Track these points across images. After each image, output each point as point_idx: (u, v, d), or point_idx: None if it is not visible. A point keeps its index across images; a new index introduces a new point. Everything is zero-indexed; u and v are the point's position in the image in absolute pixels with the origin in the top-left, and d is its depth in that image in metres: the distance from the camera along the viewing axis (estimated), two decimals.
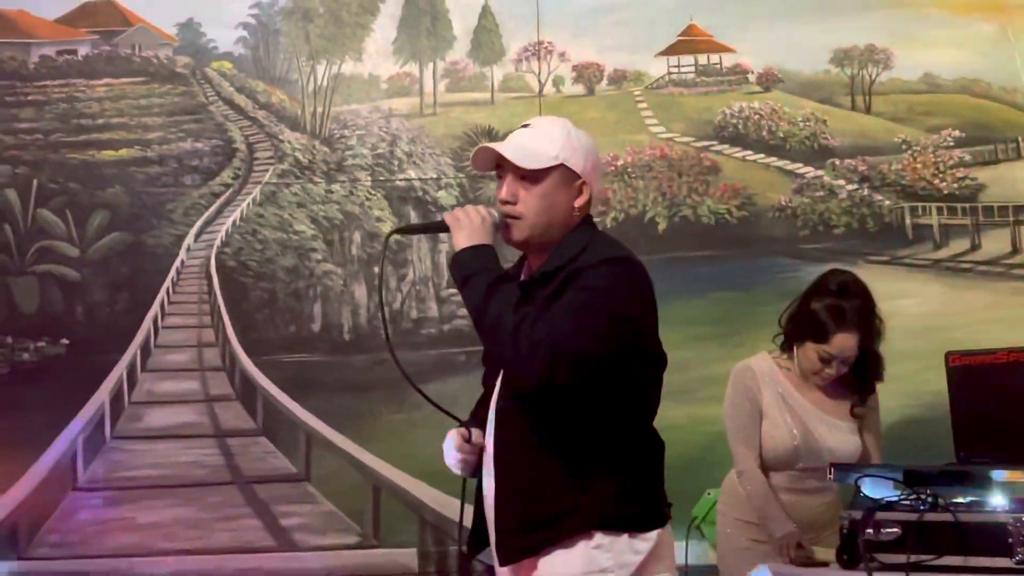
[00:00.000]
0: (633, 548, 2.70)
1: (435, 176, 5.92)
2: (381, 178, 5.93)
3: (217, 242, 5.91)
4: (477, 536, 2.91)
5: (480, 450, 2.87)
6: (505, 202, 2.77)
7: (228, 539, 5.59)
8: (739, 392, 4.09)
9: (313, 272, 5.88)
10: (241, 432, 5.80)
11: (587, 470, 2.68)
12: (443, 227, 2.79)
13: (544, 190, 2.74)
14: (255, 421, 5.81)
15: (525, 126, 2.86)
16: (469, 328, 5.82)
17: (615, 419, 2.71)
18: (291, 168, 5.97)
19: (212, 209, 5.95)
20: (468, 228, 2.72)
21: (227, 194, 5.96)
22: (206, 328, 5.90)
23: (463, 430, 2.90)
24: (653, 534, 2.75)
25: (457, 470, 2.92)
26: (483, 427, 2.88)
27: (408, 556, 5.56)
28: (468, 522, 2.94)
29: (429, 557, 5.56)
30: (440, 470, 5.50)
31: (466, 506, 2.94)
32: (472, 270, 2.68)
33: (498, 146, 2.78)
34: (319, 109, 6.00)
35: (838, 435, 4.09)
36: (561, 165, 2.76)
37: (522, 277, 2.85)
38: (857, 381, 4.14)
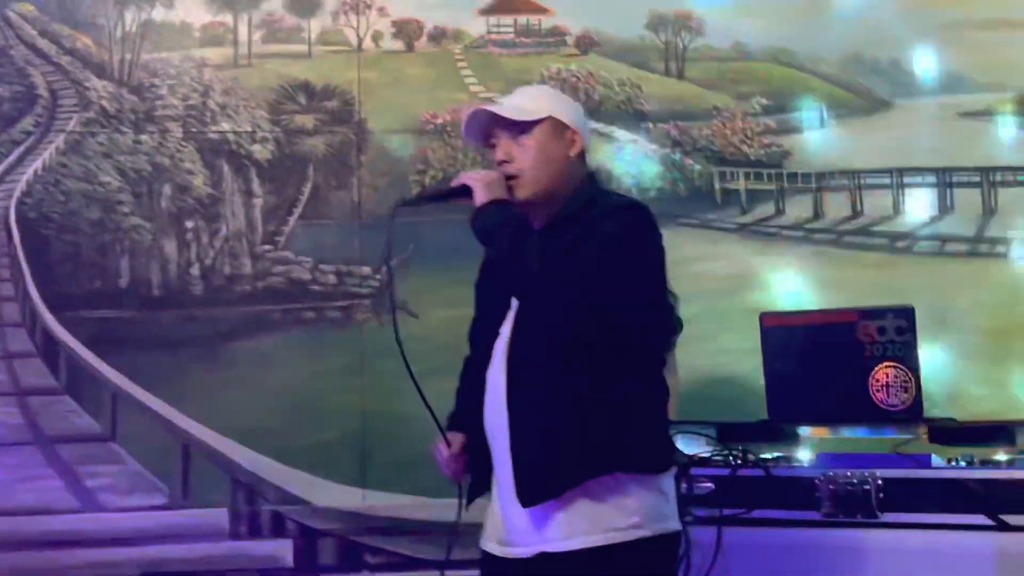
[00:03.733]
0: (654, 489, 2.75)
1: (250, 129, 5.79)
2: (193, 129, 5.77)
3: (17, 192, 5.66)
4: (477, 485, 2.92)
5: (464, 448, 2.90)
6: (502, 162, 2.84)
7: (29, 500, 5.39)
8: None
9: (120, 226, 5.69)
10: (43, 390, 5.59)
11: (607, 413, 2.71)
12: (458, 192, 2.83)
13: (537, 142, 2.83)
14: (57, 379, 5.61)
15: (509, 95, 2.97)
16: (284, 285, 5.79)
17: (634, 363, 2.76)
18: (97, 117, 5.75)
19: (12, 158, 5.69)
20: (487, 185, 2.78)
21: (28, 142, 5.71)
22: (5, 282, 5.66)
23: (444, 442, 2.92)
24: (668, 476, 2.81)
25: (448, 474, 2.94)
26: (480, 383, 2.87)
27: (219, 516, 5.47)
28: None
29: (241, 517, 5.49)
30: (252, 429, 5.50)
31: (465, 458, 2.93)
32: (495, 224, 2.74)
33: (489, 106, 2.86)
34: (127, 56, 5.79)
35: None
36: (549, 117, 2.84)
37: None
38: None
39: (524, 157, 2.83)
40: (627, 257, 2.70)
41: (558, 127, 2.86)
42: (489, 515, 2.89)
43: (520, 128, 2.84)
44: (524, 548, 2.77)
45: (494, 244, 2.75)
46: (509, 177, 2.83)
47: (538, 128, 2.84)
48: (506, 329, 2.84)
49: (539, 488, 2.71)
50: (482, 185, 2.79)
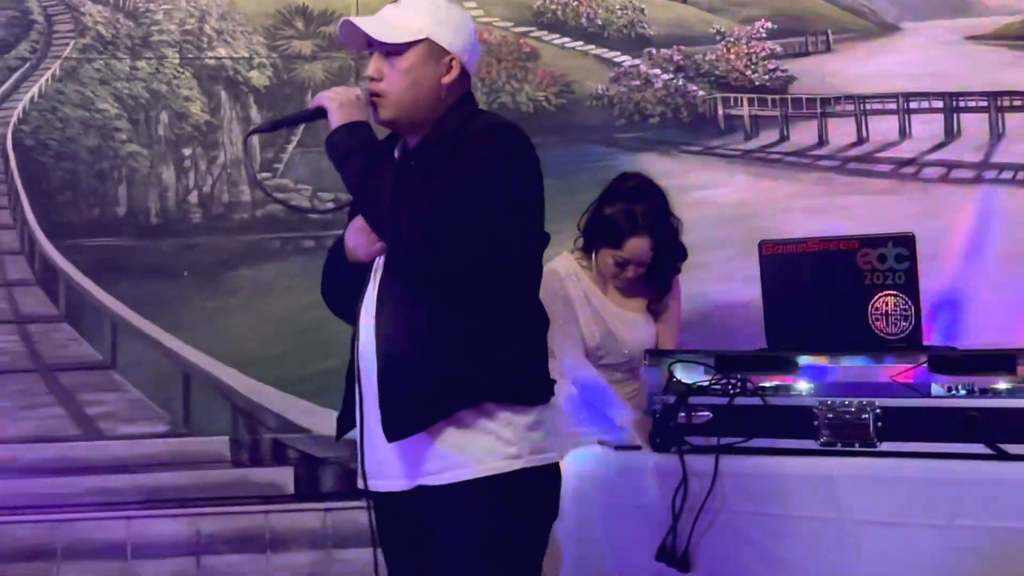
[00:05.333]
0: (530, 419, 2.70)
1: (247, 56, 5.71)
2: (190, 55, 5.70)
3: (14, 119, 5.61)
4: (347, 418, 2.88)
5: None
6: (371, 79, 2.73)
7: (30, 428, 5.40)
8: (549, 295, 4.13)
9: (118, 153, 5.65)
10: (42, 318, 5.58)
11: (474, 342, 2.64)
12: (314, 115, 2.73)
13: (407, 65, 2.71)
14: (57, 307, 5.60)
15: (394, 1, 2.80)
16: (283, 213, 5.74)
17: (501, 292, 2.68)
18: (93, 43, 5.68)
19: (8, 84, 5.63)
20: (341, 106, 2.67)
21: (24, 69, 5.65)
22: (3, 210, 5.63)
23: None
24: (545, 407, 2.76)
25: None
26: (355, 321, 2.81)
27: (220, 444, 5.48)
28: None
29: (242, 445, 5.50)
30: (253, 357, 5.49)
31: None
32: (348, 147, 2.63)
33: (359, 20, 2.72)
34: None
35: (635, 329, 4.21)
36: (426, 40, 2.72)
37: (396, 156, 2.80)
38: (653, 281, 4.24)
39: (392, 79, 2.71)
40: (491, 178, 2.60)
41: (435, 51, 2.73)
42: (358, 453, 2.80)
43: (392, 48, 2.71)
44: (403, 481, 2.71)
45: (347, 168, 2.64)
46: (374, 95, 2.72)
47: (412, 51, 2.71)
48: (379, 259, 2.75)
49: (404, 422, 2.64)
50: (337, 106, 2.67)
